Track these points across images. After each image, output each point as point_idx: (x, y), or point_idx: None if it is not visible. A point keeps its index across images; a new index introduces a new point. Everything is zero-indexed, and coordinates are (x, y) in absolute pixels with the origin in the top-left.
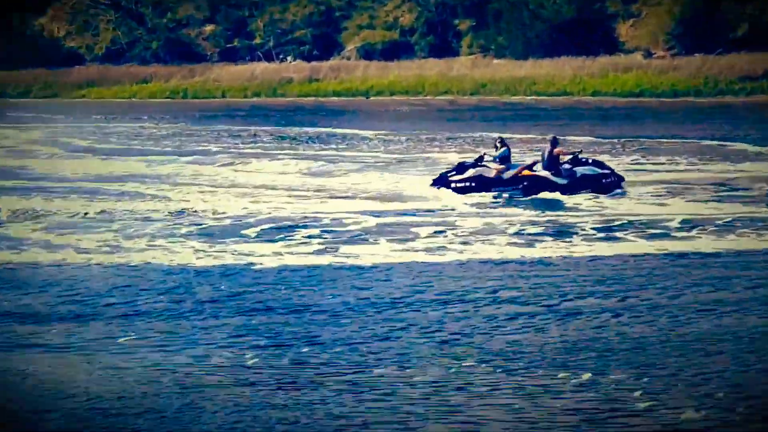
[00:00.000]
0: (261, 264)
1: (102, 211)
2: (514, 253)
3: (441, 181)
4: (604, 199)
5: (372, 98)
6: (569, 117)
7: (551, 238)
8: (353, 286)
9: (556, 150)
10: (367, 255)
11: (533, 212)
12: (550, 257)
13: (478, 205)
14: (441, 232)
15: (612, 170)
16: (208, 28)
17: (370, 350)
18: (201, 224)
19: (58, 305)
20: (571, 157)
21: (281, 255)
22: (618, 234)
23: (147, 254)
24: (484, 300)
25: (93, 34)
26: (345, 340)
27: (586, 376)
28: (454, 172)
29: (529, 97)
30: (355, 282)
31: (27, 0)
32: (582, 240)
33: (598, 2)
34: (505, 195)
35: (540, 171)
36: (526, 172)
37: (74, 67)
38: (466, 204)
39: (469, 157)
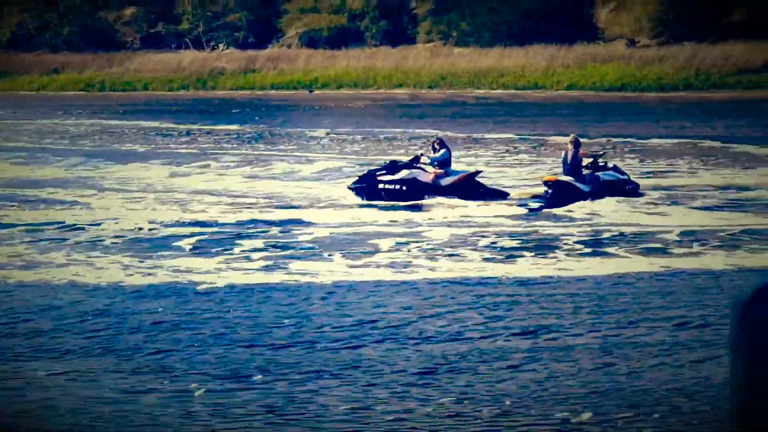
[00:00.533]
0: (200, 282)
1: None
2: (485, 271)
3: (367, 180)
4: (590, 205)
5: (316, 92)
6: (546, 113)
7: (530, 254)
8: (301, 311)
9: (580, 152)
10: (320, 272)
11: (511, 221)
12: (527, 277)
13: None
14: (403, 244)
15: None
16: (129, 11)
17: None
18: (129, 236)
19: None
20: (591, 161)
21: (221, 272)
22: (609, 249)
23: (67, 270)
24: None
25: None
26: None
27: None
28: (384, 171)
29: (495, 91)
30: (303, 306)
31: None
32: (566, 256)
33: None
34: (533, 205)
35: (562, 176)
36: (548, 178)
37: None
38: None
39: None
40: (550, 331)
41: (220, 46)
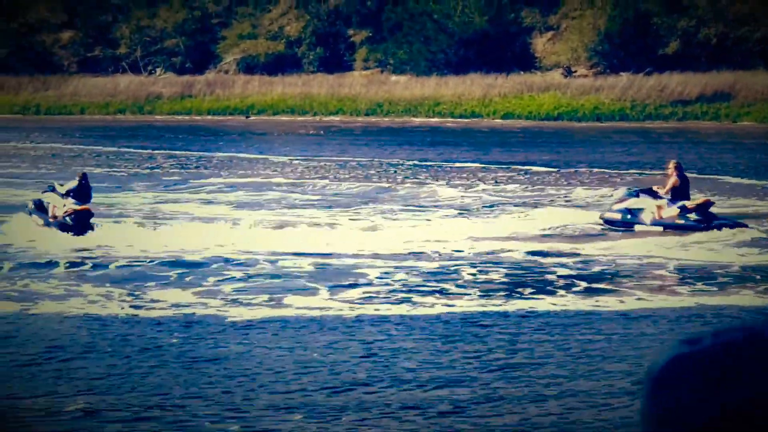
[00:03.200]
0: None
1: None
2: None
3: None
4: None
5: (252, 118)
6: (492, 142)
7: (509, 292)
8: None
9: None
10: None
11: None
12: (508, 312)
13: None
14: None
15: None
16: (66, 34)
17: None
18: (89, 264)
19: None
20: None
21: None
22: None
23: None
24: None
25: None
26: None
27: None
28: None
29: (434, 119)
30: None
31: None
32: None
33: (512, 12)
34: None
35: (672, 210)
36: (691, 204)
37: None
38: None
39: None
40: None
41: (158, 70)
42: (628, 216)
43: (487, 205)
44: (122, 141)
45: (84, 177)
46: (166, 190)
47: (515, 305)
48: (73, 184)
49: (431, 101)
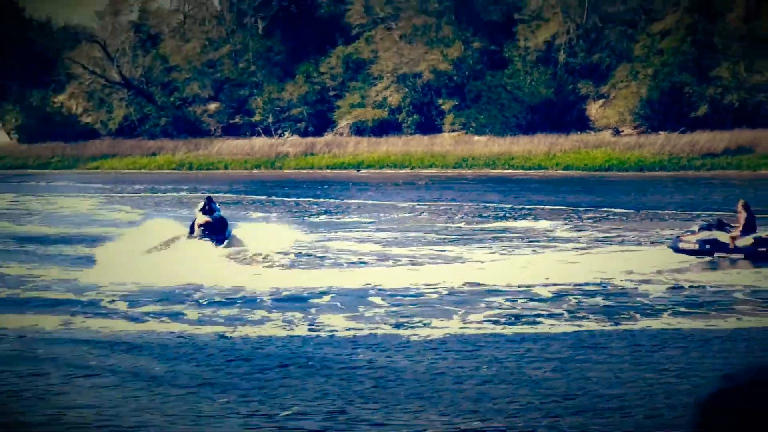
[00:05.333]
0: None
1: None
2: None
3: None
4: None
5: (362, 171)
6: (563, 190)
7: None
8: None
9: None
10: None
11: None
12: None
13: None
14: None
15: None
16: (212, 105)
17: None
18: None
19: None
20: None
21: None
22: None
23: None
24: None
25: (107, 111)
26: None
27: None
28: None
29: (506, 171)
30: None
31: (48, 79)
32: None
33: (571, 84)
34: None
35: (746, 240)
36: (766, 234)
37: (90, 140)
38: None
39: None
40: None
41: (286, 134)
42: (707, 246)
43: (598, 239)
44: (272, 190)
45: (208, 198)
46: (327, 232)
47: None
48: (200, 205)
49: (506, 156)
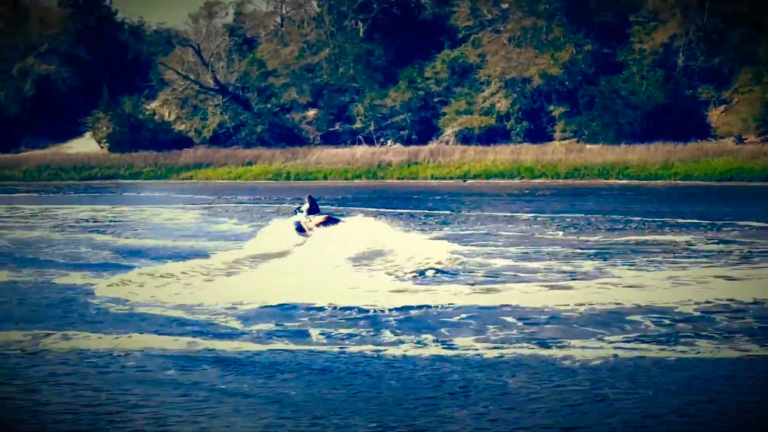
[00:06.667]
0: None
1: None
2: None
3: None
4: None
5: (469, 181)
6: (692, 200)
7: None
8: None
9: None
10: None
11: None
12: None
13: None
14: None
15: None
16: (311, 112)
17: None
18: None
19: None
20: None
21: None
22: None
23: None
24: None
25: (201, 118)
26: None
27: None
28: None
29: (622, 181)
30: None
31: (139, 86)
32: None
33: (690, 89)
34: None
35: None
36: None
37: (183, 149)
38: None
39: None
40: None
41: (388, 142)
42: None
43: (745, 255)
44: (382, 201)
45: (311, 198)
46: (457, 244)
47: None
48: (306, 206)
49: (621, 165)
